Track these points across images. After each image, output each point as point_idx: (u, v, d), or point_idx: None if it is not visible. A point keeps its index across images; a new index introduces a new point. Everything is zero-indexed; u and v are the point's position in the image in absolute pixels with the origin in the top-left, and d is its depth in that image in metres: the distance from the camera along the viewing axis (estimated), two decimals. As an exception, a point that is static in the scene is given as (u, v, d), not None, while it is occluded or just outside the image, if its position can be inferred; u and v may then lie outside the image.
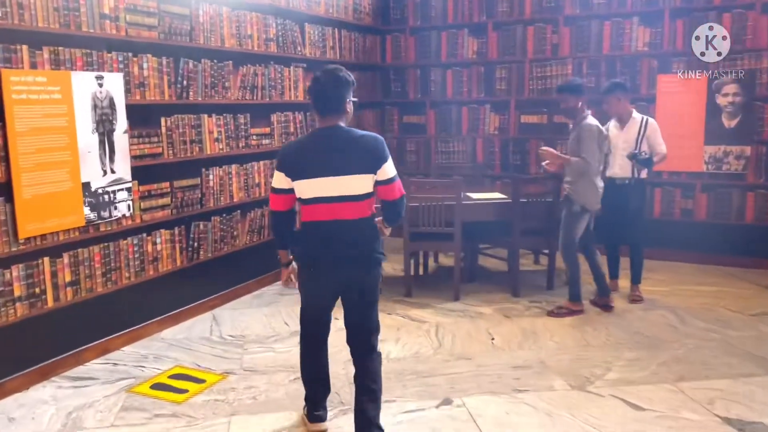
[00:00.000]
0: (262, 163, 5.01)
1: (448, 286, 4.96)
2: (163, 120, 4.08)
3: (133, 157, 3.88)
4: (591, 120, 4.21)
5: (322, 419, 2.89)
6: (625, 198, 4.53)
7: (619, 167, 4.54)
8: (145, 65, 3.92)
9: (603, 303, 4.52)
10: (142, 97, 3.92)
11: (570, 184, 4.27)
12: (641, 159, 4.38)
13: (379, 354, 2.74)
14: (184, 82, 4.23)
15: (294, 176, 2.52)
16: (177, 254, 4.25)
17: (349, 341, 2.74)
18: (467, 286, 5.03)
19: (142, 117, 3.94)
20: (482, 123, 6.46)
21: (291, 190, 2.56)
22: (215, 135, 4.52)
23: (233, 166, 4.71)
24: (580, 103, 4.22)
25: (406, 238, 4.73)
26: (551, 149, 4.35)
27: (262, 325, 4.27)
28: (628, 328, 4.16)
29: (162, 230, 4.12)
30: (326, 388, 2.94)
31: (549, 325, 4.22)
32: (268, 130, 5.07)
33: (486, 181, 6.35)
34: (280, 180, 2.57)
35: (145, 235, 4.00)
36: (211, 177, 4.50)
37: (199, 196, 4.41)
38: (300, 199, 2.56)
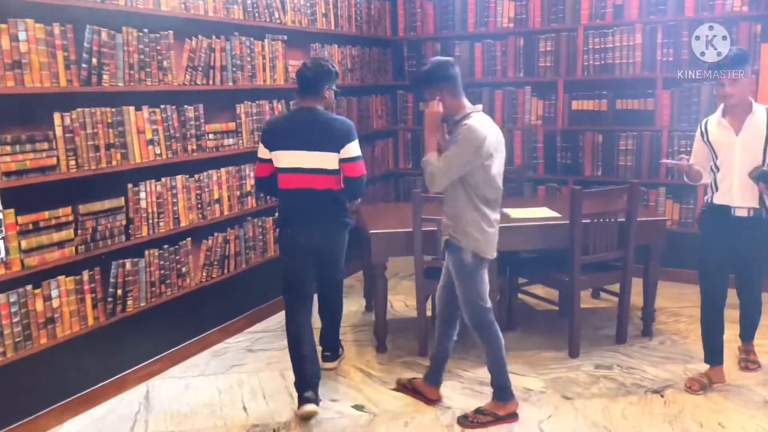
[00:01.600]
0: (224, 170, 3.69)
1: (478, 338, 3.62)
2: (57, 117, 2.77)
3: (5, 174, 2.59)
4: (478, 122, 2.58)
5: (310, 401, 2.86)
6: (747, 237, 2.95)
7: (739, 192, 2.90)
8: (21, 35, 2.60)
9: (423, 391, 3.02)
10: (18, 83, 2.61)
11: (451, 219, 2.72)
12: None
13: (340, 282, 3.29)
14: (94, 61, 2.91)
15: (271, 147, 2.87)
16: (88, 309, 2.96)
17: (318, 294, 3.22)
18: (506, 338, 3.66)
19: (20, 113, 2.63)
20: (521, 111, 5.04)
21: (271, 160, 2.89)
22: (148, 135, 3.20)
23: (179, 178, 3.40)
24: (440, 94, 2.62)
25: (419, 275, 3.39)
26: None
27: (210, 410, 2.96)
28: (750, 420, 2.77)
29: (61, 278, 2.83)
30: (312, 366, 2.93)
31: (630, 416, 2.85)
32: (231, 125, 3.74)
33: (526, 188, 4.96)
34: (262, 150, 2.91)
35: (30, 287, 2.71)
36: (142, 195, 3.19)
37: (124, 223, 3.11)
38: (276, 168, 2.88)
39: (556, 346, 3.56)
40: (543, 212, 3.71)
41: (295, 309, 2.94)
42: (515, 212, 3.67)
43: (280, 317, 4.08)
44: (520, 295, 4.00)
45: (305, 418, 2.83)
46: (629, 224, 3.42)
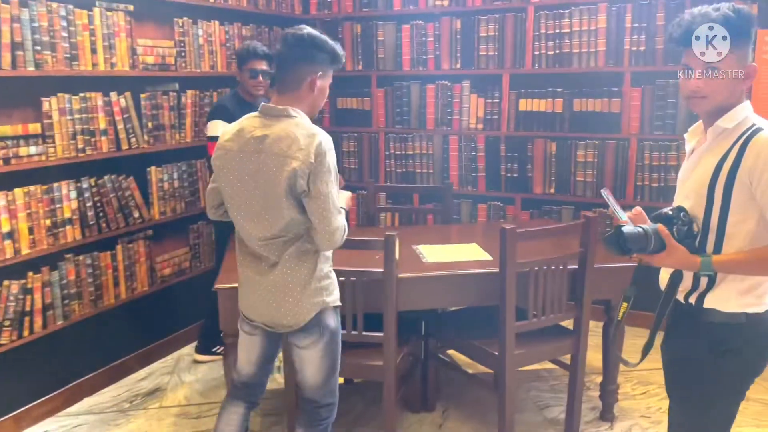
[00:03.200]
0: (20, 191, 2.60)
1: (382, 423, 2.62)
2: None
3: None
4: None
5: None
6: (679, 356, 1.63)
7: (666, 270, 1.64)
8: None
9: None
10: None
11: None
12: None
13: None
14: None
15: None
16: None
17: None
18: (418, 423, 2.67)
19: None
20: (458, 110, 4.04)
21: None
22: None
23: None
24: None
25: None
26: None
27: None
28: None
29: None
30: None
31: None
32: (35, 127, 2.65)
33: (464, 209, 3.98)
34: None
35: None
36: None
37: None
38: None
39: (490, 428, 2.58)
40: (470, 252, 2.71)
41: None
42: (432, 252, 2.67)
43: (115, 391, 3.03)
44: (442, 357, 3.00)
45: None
46: (583, 275, 2.44)
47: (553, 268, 2.38)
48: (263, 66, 3.01)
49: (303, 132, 1.76)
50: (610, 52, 3.58)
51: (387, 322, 2.27)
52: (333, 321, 1.91)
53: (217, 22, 3.59)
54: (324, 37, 1.82)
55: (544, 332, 2.46)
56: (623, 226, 1.48)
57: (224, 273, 2.46)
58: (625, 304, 1.66)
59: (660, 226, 1.48)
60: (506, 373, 2.36)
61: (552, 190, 3.83)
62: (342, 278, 2.25)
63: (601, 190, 1.66)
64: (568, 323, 2.53)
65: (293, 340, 1.90)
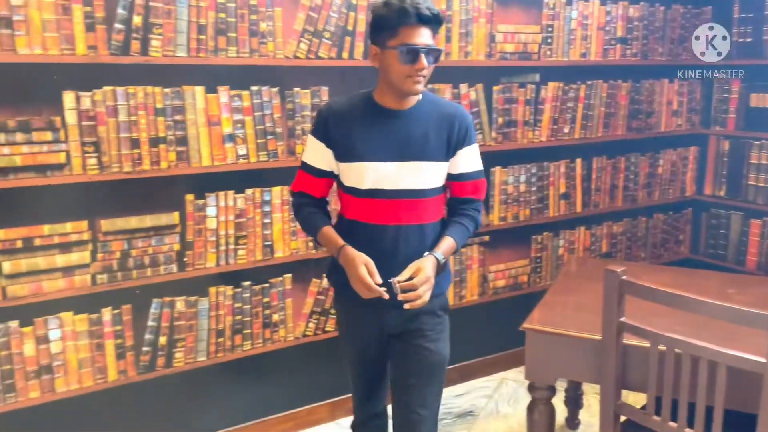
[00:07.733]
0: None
1: None
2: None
3: (-11, 172, 1.95)
4: None
5: None
6: None
7: None
8: (22, -17, 1.89)
9: None
10: (8, 46, 1.92)
11: None
12: None
13: None
14: (136, 20, 2.07)
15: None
16: (108, 359, 2.20)
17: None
18: None
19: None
20: None
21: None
22: (226, 128, 2.26)
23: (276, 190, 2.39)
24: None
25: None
26: None
27: None
28: None
29: (66, 315, 2.11)
30: None
31: None
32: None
33: None
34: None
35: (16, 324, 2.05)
36: (210, 210, 2.29)
37: (177, 247, 2.25)
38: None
39: None
40: None
41: None
42: None
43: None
44: None
45: None
46: None
47: None
48: (427, 39, 1.52)
49: None
50: None
51: (769, 441, 1.45)
52: None
53: (597, 2, 3.02)
54: None
55: None
56: None
57: (541, 308, 1.97)
58: None
59: None
60: None
61: None
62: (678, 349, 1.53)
63: None
64: None
65: None
